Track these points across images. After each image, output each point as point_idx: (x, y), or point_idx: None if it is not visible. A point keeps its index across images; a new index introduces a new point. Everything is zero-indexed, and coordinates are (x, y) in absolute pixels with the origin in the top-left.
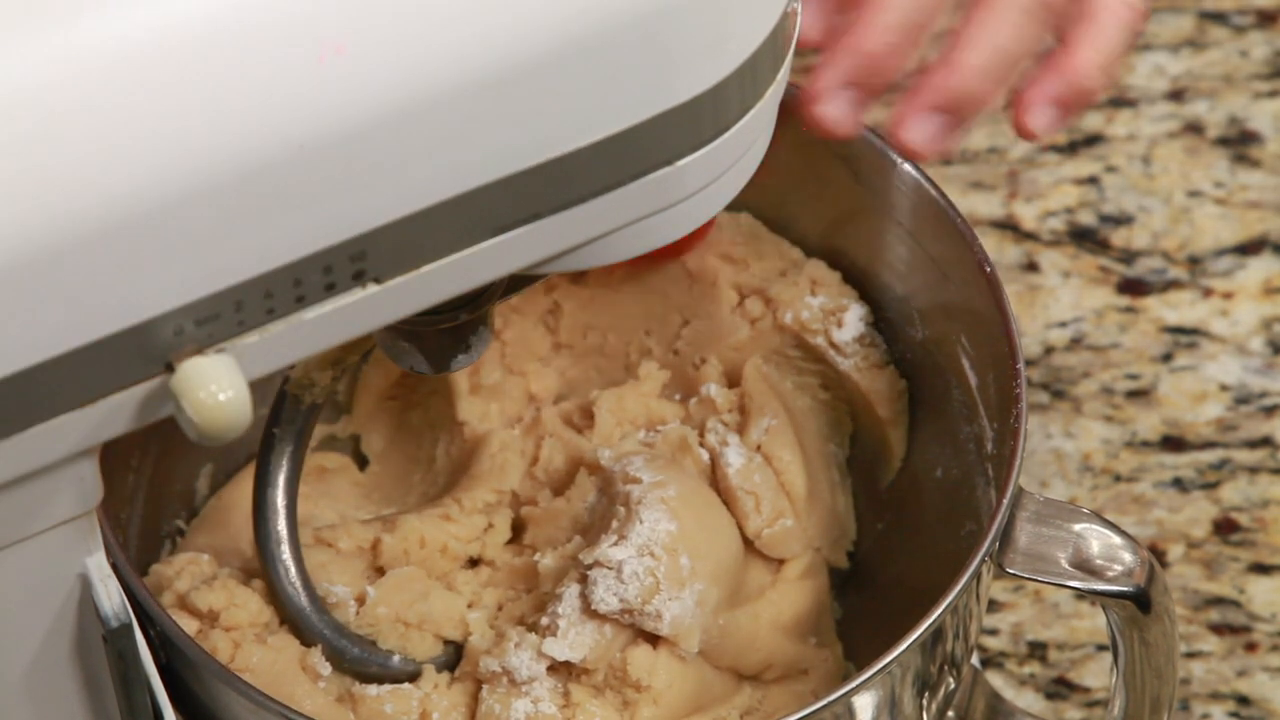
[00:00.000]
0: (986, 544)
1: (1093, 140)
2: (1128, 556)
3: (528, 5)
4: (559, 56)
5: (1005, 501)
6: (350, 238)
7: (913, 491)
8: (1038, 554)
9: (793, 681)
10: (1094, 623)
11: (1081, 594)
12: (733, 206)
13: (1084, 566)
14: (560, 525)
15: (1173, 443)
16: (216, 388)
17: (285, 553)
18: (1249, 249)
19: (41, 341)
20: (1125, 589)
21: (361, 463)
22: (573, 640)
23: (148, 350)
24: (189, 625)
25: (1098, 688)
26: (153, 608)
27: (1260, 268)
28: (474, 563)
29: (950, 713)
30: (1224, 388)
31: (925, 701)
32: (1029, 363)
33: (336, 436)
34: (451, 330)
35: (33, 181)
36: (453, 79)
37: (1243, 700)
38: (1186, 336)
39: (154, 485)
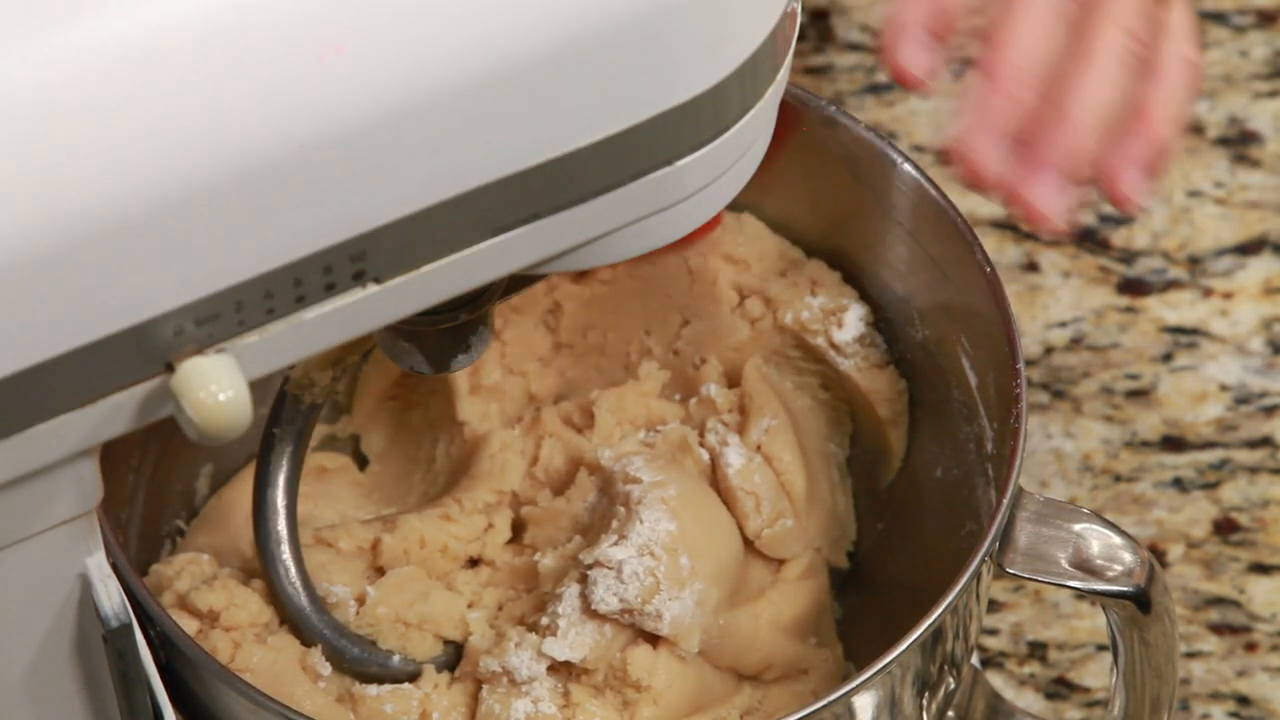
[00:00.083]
0: (986, 544)
1: None
2: (1128, 556)
3: (528, 5)
4: (559, 56)
5: (1005, 501)
6: (350, 238)
7: (913, 491)
8: (1038, 554)
9: (793, 681)
10: (1094, 623)
11: (1081, 594)
12: (734, 207)
13: (1084, 566)
14: (560, 525)
15: (1173, 443)
16: (216, 388)
17: (285, 553)
18: (1249, 249)
19: (41, 341)
20: (1125, 589)
21: (361, 463)
22: (573, 640)
23: (148, 350)
24: (189, 625)
25: (1098, 688)
26: (153, 608)
27: (1260, 268)
28: (474, 563)
29: (950, 713)
30: (1224, 388)
31: (925, 701)
32: (1029, 363)
33: (336, 436)
34: (451, 330)
35: (33, 181)
36: (453, 79)
37: (1243, 700)
38: (1186, 336)
39: (154, 485)
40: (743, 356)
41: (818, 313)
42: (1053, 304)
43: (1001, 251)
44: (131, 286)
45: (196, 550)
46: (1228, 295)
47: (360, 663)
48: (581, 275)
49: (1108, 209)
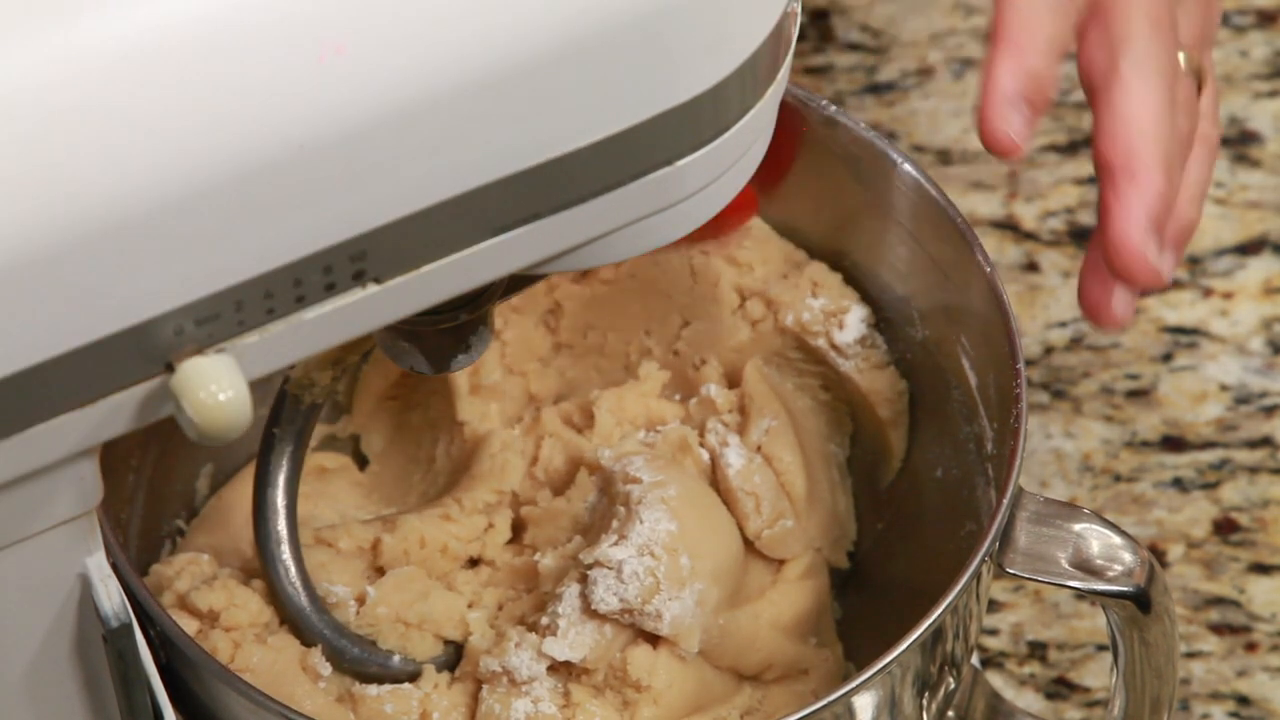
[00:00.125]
0: (986, 544)
1: None
2: (1128, 556)
3: (528, 5)
4: (559, 56)
5: (1005, 501)
6: (350, 238)
7: (913, 491)
8: (1038, 554)
9: (793, 681)
10: (1094, 623)
11: (1081, 594)
12: None
13: (1084, 566)
14: (560, 525)
15: (1173, 443)
16: (216, 388)
17: (285, 553)
18: (1249, 249)
19: (41, 341)
20: (1125, 589)
21: (361, 463)
22: (573, 640)
23: (148, 350)
24: (189, 625)
25: (1098, 688)
26: (153, 608)
27: (1260, 268)
28: (474, 563)
29: (950, 713)
30: (1224, 388)
31: (925, 701)
32: (1029, 363)
33: (336, 436)
34: (451, 330)
35: (33, 181)
36: (453, 79)
37: (1243, 700)
38: (1186, 336)
39: (154, 485)
40: (743, 357)
41: (818, 314)
42: (1053, 304)
43: (1001, 251)
44: (131, 287)
45: (196, 550)
46: (1228, 295)
47: (360, 663)
48: (581, 275)
49: None
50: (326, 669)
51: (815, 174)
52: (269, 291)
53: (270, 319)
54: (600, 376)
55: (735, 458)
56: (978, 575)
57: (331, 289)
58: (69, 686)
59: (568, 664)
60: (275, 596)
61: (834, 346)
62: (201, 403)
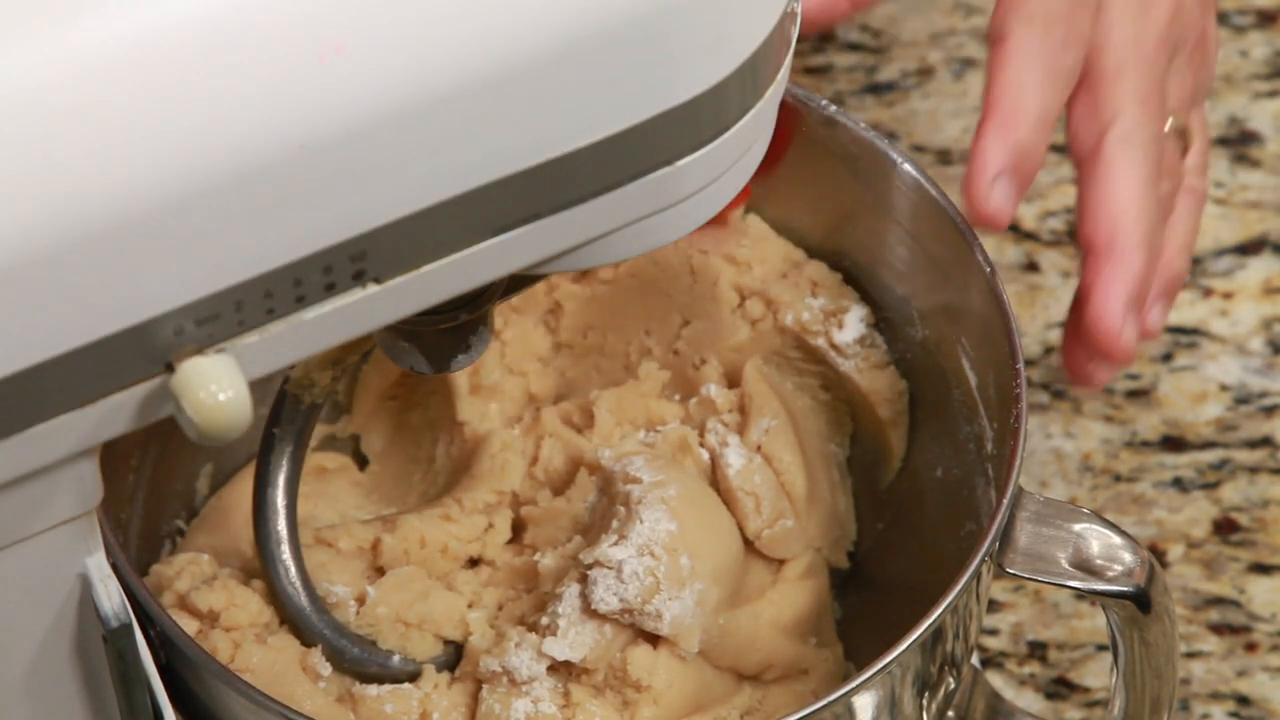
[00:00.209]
0: (986, 544)
1: None
2: (1128, 556)
3: (528, 5)
4: (559, 56)
5: (1005, 501)
6: (350, 238)
7: (913, 491)
8: (1038, 554)
9: (793, 681)
10: (1094, 623)
11: (1081, 594)
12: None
13: (1084, 566)
14: (560, 525)
15: (1173, 443)
16: (216, 388)
17: (285, 553)
18: (1249, 249)
19: (41, 341)
20: (1125, 589)
21: (361, 463)
22: (573, 640)
23: (148, 350)
24: (189, 625)
25: (1098, 688)
26: (153, 608)
27: (1260, 268)
28: (474, 563)
29: (950, 713)
30: (1224, 388)
31: (925, 701)
32: (1029, 363)
33: (336, 436)
34: (451, 330)
35: (33, 181)
36: (453, 79)
37: (1243, 700)
38: (1186, 336)
39: (154, 485)
40: (743, 357)
41: (818, 314)
42: (1053, 304)
43: (1001, 251)
44: (131, 286)
45: (196, 550)
46: (1228, 295)
47: (360, 663)
48: (581, 275)
49: None
50: (326, 669)
51: (815, 174)
52: (269, 291)
53: (270, 319)
54: (600, 376)
55: (735, 458)
56: (978, 575)
57: (331, 289)
58: (69, 686)
59: (568, 664)
60: (275, 596)
61: (834, 346)
62: (201, 403)
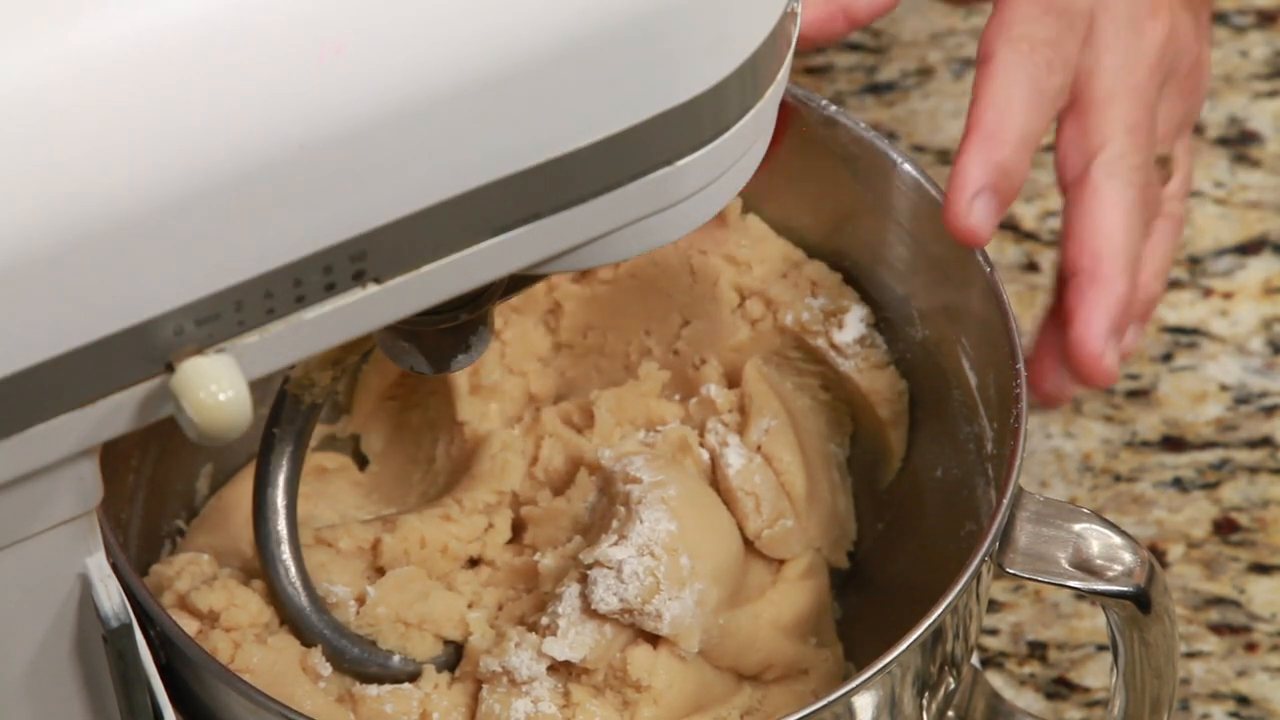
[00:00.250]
0: (986, 544)
1: None
2: (1128, 556)
3: (528, 5)
4: (559, 56)
5: (1005, 501)
6: (350, 238)
7: (913, 491)
8: (1038, 554)
9: (793, 681)
10: (1094, 623)
11: (1081, 594)
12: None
13: (1084, 566)
14: (560, 525)
15: (1173, 443)
16: (216, 388)
17: (285, 553)
18: (1249, 249)
19: (41, 341)
20: (1125, 589)
21: (361, 463)
22: (573, 640)
23: (148, 350)
24: (189, 625)
25: (1098, 688)
26: (153, 608)
27: (1260, 268)
28: (474, 563)
29: (950, 713)
30: (1224, 388)
31: (925, 701)
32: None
33: (336, 436)
34: (451, 330)
35: (33, 181)
36: (453, 79)
37: (1243, 700)
38: (1186, 336)
39: (154, 485)
40: (743, 357)
41: (818, 314)
42: None
43: (1001, 251)
44: (131, 287)
45: (196, 550)
46: (1228, 295)
47: (360, 663)
48: (581, 275)
49: None
50: (326, 669)
51: (815, 174)
52: (269, 291)
53: (270, 319)
54: (600, 376)
55: (735, 458)
56: (978, 575)
57: (331, 289)
58: (69, 686)
59: (568, 664)
60: (275, 596)
61: (833, 346)
62: (201, 403)
